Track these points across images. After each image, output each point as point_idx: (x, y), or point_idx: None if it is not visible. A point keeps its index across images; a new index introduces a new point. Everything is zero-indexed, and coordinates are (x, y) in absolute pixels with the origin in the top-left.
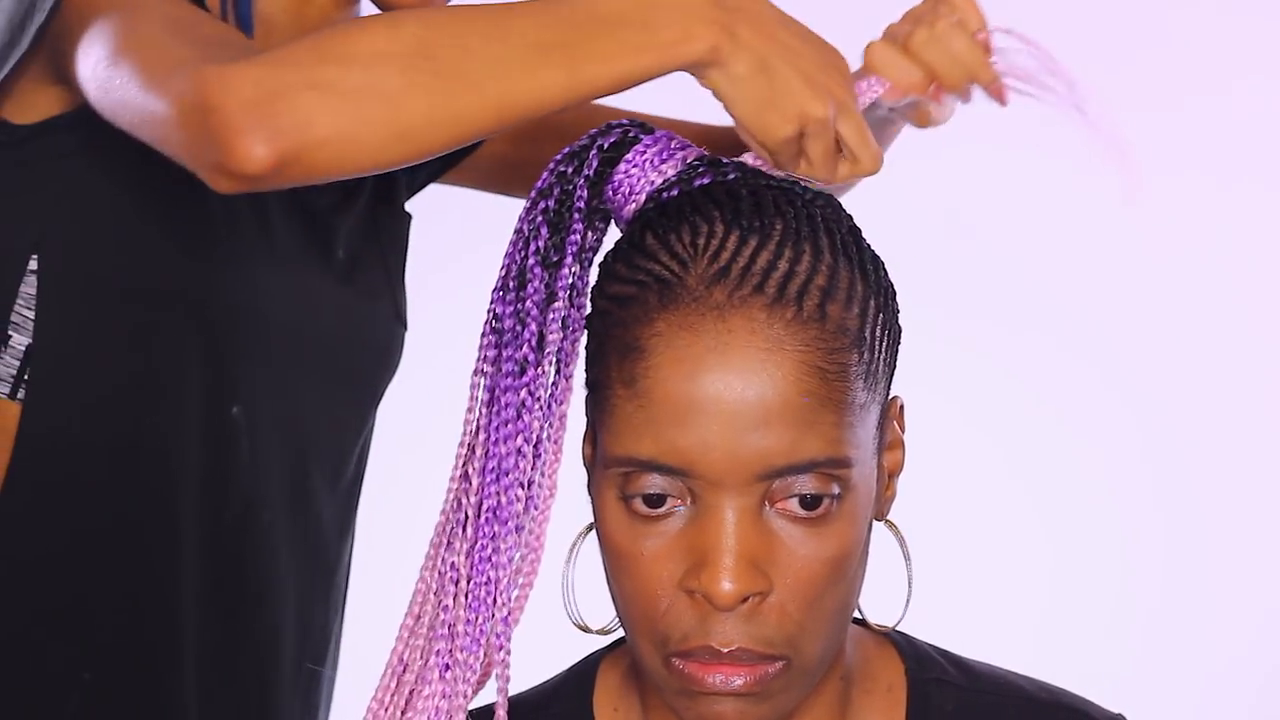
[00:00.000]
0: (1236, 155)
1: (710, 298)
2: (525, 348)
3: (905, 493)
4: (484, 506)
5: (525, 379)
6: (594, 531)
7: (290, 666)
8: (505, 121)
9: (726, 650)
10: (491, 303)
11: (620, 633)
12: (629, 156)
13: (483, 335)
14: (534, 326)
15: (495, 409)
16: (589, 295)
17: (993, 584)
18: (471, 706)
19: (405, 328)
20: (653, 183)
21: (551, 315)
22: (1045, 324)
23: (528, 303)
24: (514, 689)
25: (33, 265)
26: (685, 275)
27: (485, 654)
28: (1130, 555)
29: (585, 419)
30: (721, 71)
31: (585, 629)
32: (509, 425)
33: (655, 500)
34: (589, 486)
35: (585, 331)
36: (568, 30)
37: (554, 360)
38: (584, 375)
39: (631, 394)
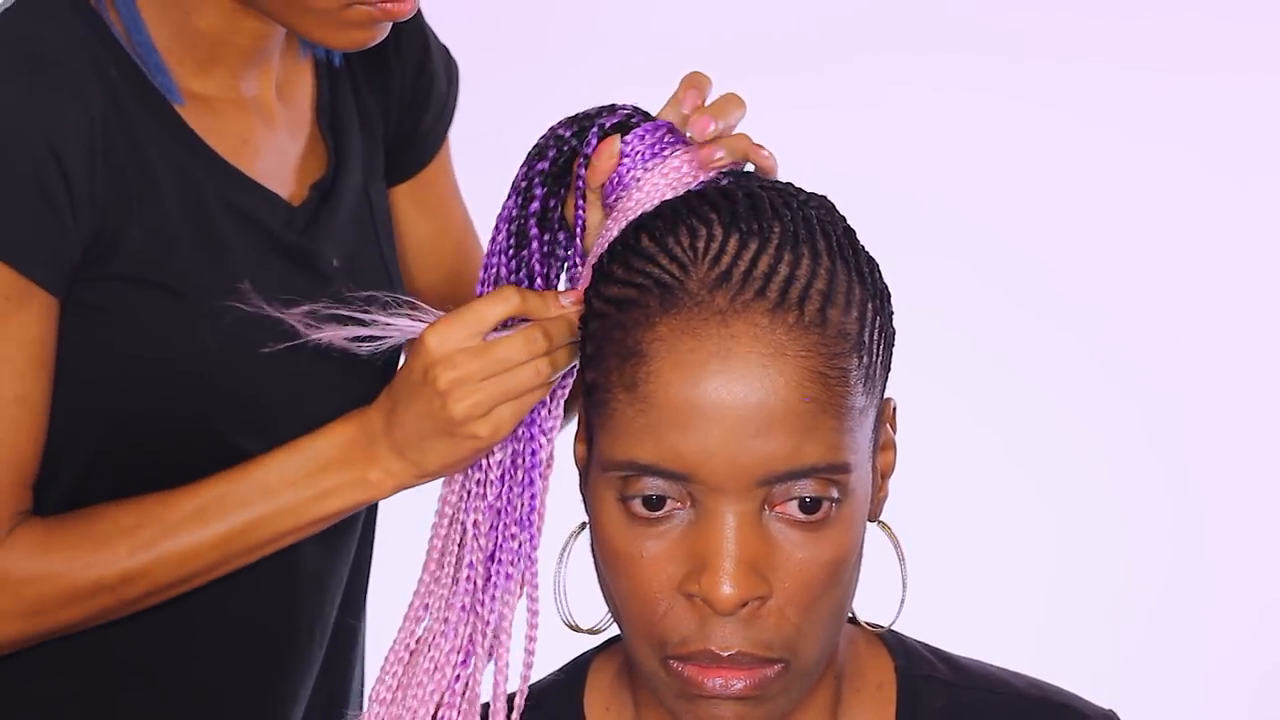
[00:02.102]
0: (1242, 145)
1: (713, 302)
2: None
3: (907, 488)
4: (508, 456)
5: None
6: (585, 531)
7: (308, 623)
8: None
9: (726, 654)
10: (490, 267)
11: (610, 632)
12: (627, 139)
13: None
14: (540, 284)
15: None
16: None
17: (991, 580)
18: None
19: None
20: (659, 198)
21: (554, 270)
22: (1047, 317)
23: (534, 259)
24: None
25: None
26: (686, 279)
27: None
28: (1130, 553)
29: (579, 419)
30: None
31: (575, 628)
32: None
33: (655, 502)
34: (581, 487)
35: (581, 332)
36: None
37: None
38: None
39: (632, 398)
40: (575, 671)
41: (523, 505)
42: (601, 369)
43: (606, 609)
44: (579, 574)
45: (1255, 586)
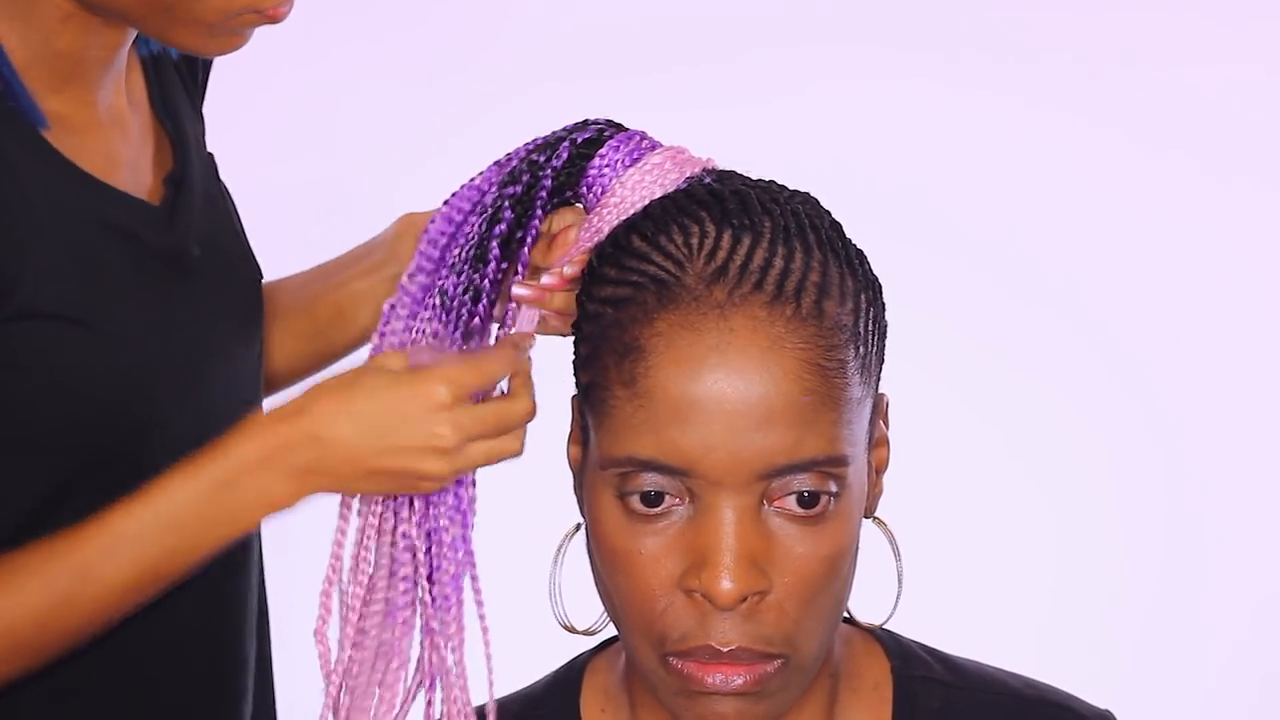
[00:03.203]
0: (1244, 142)
1: (711, 296)
2: (477, 319)
3: (905, 485)
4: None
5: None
6: (580, 533)
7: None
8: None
9: (726, 650)
10: (439, 279)
11: (605, 634)
12: (602, 152)
13: (423, 308)
14: (486, 301)
15: None
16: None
17: (990, 579)
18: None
19: (261, 274)
20: (646, 197)
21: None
22: (1045, 311)
23: (485, 280)
24: (498, 692)
25: None
26: (683, 275)
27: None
28: (1131, 551)
29: (572, 421)
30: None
31: (571, 630)
32: None
33: (653, 499)
34: (576, 488)
35: (574, 335)
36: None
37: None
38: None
39: (631, 394)
40: (571, 673)
41: (454, 529)
42: (598, 368)
43: (602, 610)
44: (574, 575)
45: (1258, 585)
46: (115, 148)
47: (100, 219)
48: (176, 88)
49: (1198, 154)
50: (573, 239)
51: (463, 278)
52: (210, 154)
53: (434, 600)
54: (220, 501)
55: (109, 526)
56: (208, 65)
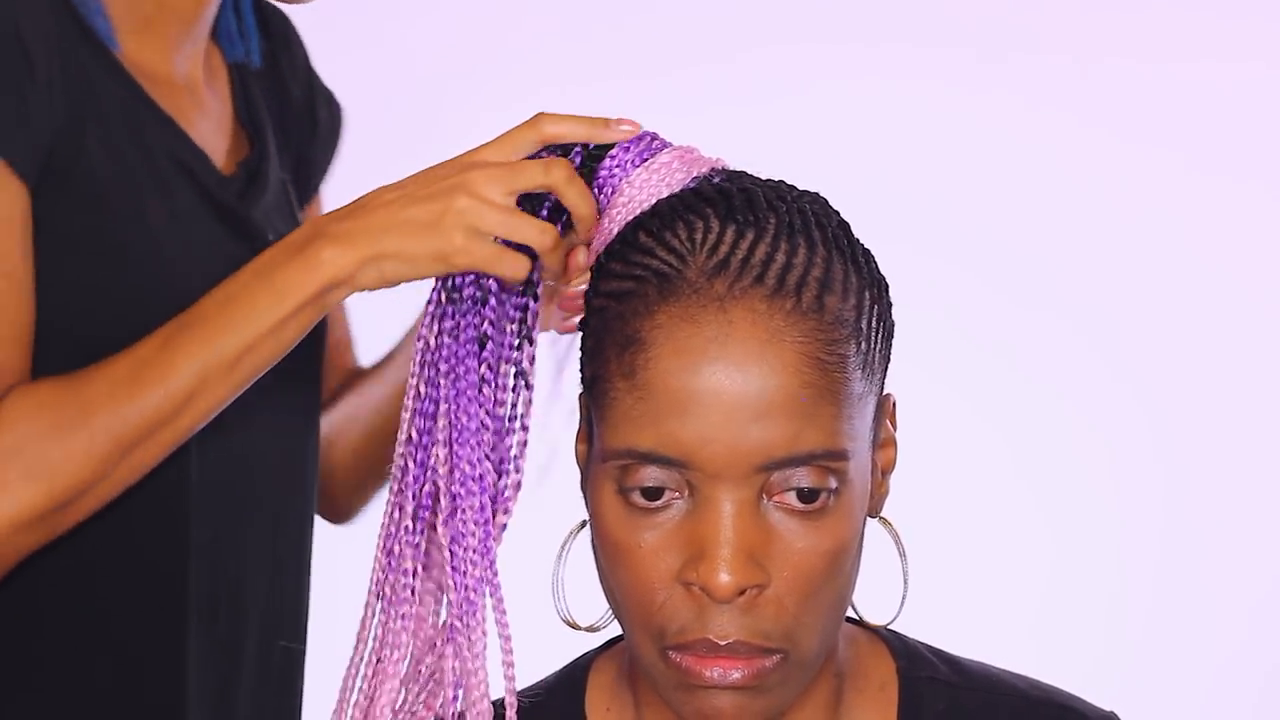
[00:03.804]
0: (1245, 141)
1: (711, 289)
2: (486, 324)
3: (907, 486)
4: (456, 476)
5: (485, 353)
6: (584, 530)
7: (256, 649)
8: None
9: (724, 643)
10: (445, 277)
11: (610, 632)
12: (613, 153)
13: (434, 304)
14: (494, 302)
15: (455, 380)
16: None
17: (989, 579)
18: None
19: None
20: (653, 196)
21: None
22: (1054, 313)
23: (490, 279)
24: (501, 690)
25: None
26: (684, 268)
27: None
28: (1132, 552)
29: (579, 418)
30: (364, 269)
31: (574, 626)
32: (470, 393)
33: (653, 493)
34: (583, 485)
35: (581, 331)
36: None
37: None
38: (580, 374)
39: (631, 386)
40: (576, 671)
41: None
42: (601, 360)
43: (606, 607)
44: (583, 573)
45: (1258, 584)
46: (188, 111)
47: (168, 150)
48: (261, 108)
49: (1198, 154)
50: (582, 262)
51: (469, 278)
52: (284, 179)
53: (457, 602)
54: (271, 275)
55: (172, 323)
56: (332, 146)
